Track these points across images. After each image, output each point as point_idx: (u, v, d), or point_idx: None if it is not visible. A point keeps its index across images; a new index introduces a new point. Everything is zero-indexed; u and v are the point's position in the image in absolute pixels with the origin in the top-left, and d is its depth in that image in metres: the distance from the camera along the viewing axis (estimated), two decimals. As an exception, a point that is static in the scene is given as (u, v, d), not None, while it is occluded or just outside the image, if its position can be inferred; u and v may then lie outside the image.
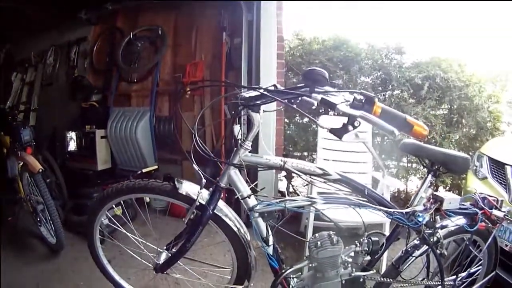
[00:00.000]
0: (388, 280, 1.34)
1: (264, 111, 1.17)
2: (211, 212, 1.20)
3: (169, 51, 3.27)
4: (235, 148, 1.19)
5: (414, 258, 1.35)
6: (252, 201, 1.22)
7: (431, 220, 1.28)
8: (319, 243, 1.24)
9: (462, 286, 1.52)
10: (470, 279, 1.54)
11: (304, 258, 1.31)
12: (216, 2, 2.97)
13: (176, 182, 1.21)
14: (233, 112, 1.20)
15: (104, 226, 1.58)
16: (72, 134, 3.24)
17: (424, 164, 1.33)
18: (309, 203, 1.20)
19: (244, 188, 1.20)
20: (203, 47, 3.14)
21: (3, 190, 2.50)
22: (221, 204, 1.25)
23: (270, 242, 1.27)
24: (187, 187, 1.22)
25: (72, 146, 3.30)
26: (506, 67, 3.27)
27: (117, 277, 1.51)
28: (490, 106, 3.10)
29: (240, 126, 1.23)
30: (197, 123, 1.23)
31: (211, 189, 1.22)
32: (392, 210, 1.24)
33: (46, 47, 3.85)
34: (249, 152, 1.19)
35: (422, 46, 3.26)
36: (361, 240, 1.28)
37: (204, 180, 1.19)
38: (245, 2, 2.71)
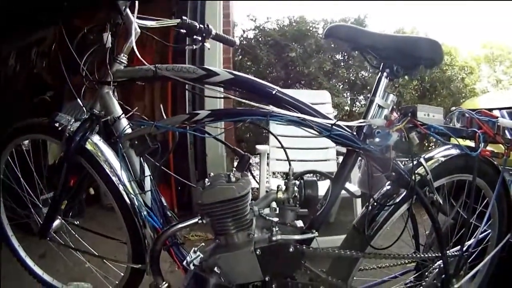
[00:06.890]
0: (348, 253, 0.80)
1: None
2: (77, 144, 0.93)
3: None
4: (107, 63, 0.96)
5: (387, 213, 0.82)
6: (122, 125, 0.93)
7: (403, 139, 0.77)
8: (207, 181, 0.79)
9: (471, 258, 0.98)
10: (480, 247, 1.00)
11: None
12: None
13: (54, 115, 1.01)
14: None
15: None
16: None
17: (372, 59, 0.85)
18: (186, 117, 0.84)
19: (116, 109, 0.95)
20: (152, 32, 3.02)
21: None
22: (97, 139, 0.99)
23: (148, 187, 0.90)
24: (64, 120, 1.01)
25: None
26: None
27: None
28: (465, 78, 2.94)
29: (113, 35, 0.97)
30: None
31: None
32: (328, 121, 0.78)
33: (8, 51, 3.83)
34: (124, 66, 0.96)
35: (385, 19, 3.10)
36: (286, 181, 0.80)
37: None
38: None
